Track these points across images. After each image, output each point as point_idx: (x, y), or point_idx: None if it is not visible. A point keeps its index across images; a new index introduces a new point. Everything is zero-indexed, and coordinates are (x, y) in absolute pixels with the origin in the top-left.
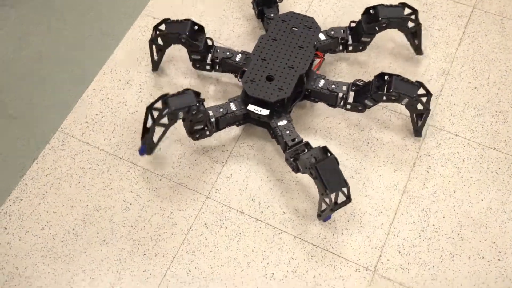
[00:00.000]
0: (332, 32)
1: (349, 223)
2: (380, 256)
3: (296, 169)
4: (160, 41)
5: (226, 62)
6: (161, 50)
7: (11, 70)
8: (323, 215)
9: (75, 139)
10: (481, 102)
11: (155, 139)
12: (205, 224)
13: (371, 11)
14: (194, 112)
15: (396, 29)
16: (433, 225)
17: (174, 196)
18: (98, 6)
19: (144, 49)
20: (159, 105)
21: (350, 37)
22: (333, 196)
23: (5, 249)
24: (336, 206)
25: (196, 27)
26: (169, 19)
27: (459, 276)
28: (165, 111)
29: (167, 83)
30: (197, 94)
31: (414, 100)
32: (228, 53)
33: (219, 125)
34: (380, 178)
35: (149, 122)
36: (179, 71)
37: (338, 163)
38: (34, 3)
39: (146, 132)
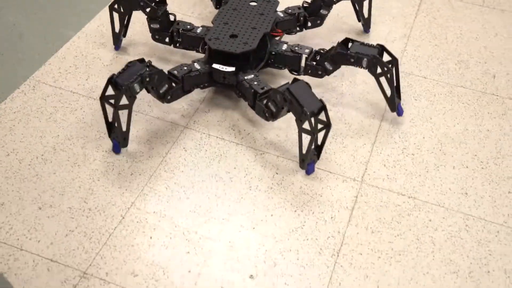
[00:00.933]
0: (290, 10)
1: (331, 144)
2: (366, 169)
3: (269, 114)
4: (120, 8)
5: (186, 35)
6: (122, 20)
7: None
8: (307, 158)
9: (47, 85)
10: (443, 55)
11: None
12: (184, 148)
13: None
14: (148, 79)
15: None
16: (414, 143)
17: (150, 127)
18: None
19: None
20: (111, 91)
21: (306, 13)
22: (312, 119)
23: None
24: (317, 130)
25: None
26: None
27: (446, 182)
28: (120, 91)
29: (143, 45)
30: (141, 60)
31: (373, 60)
32: (188, 26)
33: (184, 86)
34: (356, 111)
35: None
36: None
37: (310, 88)
38: None
39: (112, 126)
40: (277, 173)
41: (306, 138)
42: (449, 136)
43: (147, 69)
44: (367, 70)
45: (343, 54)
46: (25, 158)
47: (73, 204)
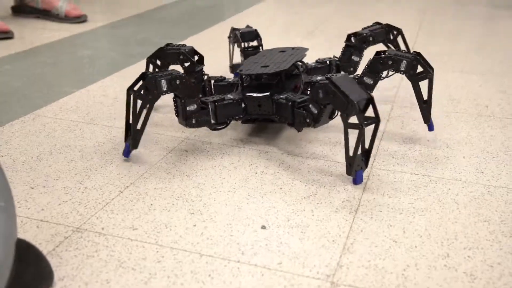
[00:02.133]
0: (320, 59)
1: (336, 146)
2: (374, 159)
3: (310, 119)
4: (158, 61)
5: (219, 85)
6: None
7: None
8: (355, 161)
9: (47, 117)
10: (434, 95)
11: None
12: (185, 150)
13: (352, 38)
14: (178, 82)
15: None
16: (419, 144)
17: (150, 139)
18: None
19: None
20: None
21: (338, 62)
22: (358, 105)
23: None
24: (366, 123)
25: (197, 56)
26: (172, 43)
27: (459, 166)
28: (147, 81)
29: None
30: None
31: (414, 61)
32: (220, 77)
33: (217, 116)
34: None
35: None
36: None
37: (354, 80)
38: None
39: (129, 128)
40: (282, 163)
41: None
42: (453, 139)
43: (180, 73)
44: (404, 74)
45: (381, 58)
46: (19, 158)
47: (68, 185)
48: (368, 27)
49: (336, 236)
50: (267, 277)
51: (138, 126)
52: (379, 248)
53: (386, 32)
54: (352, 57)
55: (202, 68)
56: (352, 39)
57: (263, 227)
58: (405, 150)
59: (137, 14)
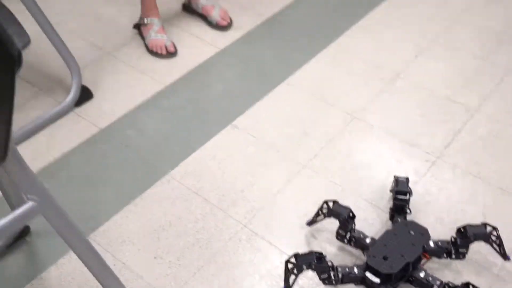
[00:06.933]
0: (440, 243)
1: None
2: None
3: None
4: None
5: (359, 241)
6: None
7: None
8: None
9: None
10: None
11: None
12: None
13: (461, 229)
14: (313, 266)
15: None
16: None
17: None
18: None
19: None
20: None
21: (453, 248)
22: None
23: None
24: None
25: (351, 215)
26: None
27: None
28: (293, 265)
29: None
30: (319, 253)
31: (488, 238)
32: (361, 235)
33: (343, 279)
34: None
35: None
36: None
37: None
38: None
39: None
40: None
41: None
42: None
43: (315, 261)
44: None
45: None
46: None
47: None
48: (476, 226)
49: None
50: None
51: None
52: None
53: (488, 235)
54: (460, 250)
55: (353, 224)
56: (462, 231)
57: None
58: None
59: None
